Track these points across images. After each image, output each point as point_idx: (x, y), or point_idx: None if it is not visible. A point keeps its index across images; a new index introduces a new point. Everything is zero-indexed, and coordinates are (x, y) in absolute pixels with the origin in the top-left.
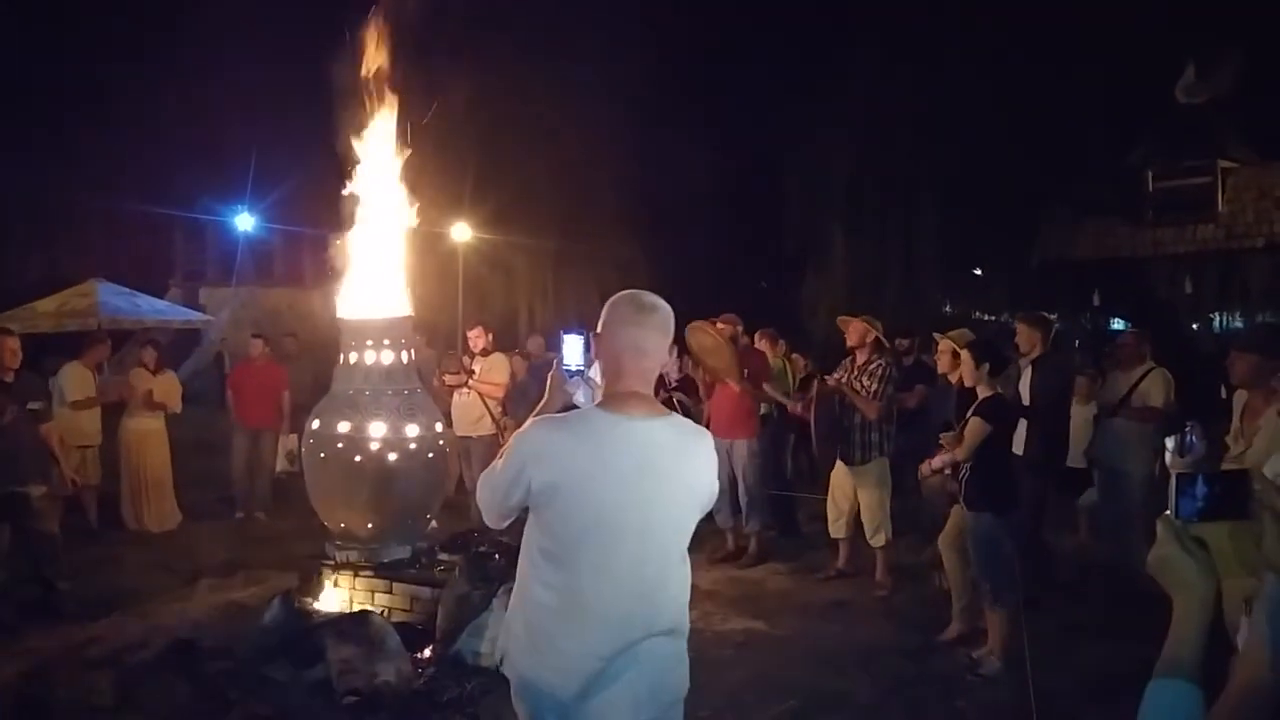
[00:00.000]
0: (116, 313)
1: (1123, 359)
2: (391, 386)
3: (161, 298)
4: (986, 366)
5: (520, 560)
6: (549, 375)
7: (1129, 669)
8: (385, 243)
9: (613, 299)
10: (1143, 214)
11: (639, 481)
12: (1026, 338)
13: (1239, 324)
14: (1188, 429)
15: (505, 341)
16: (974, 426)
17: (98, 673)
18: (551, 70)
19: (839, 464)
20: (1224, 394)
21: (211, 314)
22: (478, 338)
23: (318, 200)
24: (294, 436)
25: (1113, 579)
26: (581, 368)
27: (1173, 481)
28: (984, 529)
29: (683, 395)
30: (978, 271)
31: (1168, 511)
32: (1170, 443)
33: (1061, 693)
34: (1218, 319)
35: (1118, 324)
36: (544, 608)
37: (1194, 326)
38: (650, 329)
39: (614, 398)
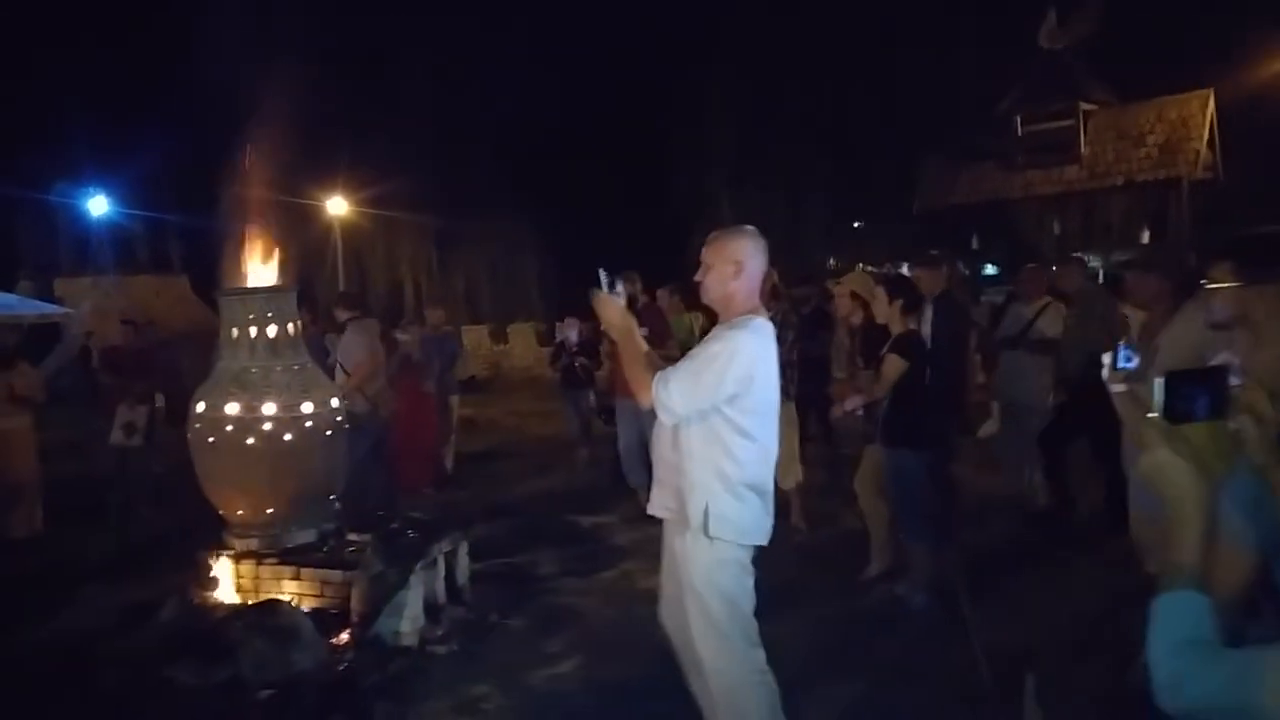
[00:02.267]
0: None
1: (1024, 293)
2: (280, 362)
3: (10, 291)
4: (900, 303)
5: (707, 450)
6: (608, 300)
7: (1042, 593)
8: (259, 215)
9: (741, 236)
10: (1014, 158)
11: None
12: (927, 280)
13: (1095, 261)
14: (1120, 344)
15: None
16: (892, 363)
17: None
18: (429, 38)
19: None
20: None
21: (70, 306)
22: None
23: (179, 180)
24: (140, 409)
25: (1014, 509)
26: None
27: (1159, 384)
28: (903, 465)
29: (584, 358)
30: (857, 224)
31: (1152, 414)
32: (1107, 359)
33: (986, 621)
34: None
35: (990, 269)
36: (751, 468)
37: (1054, 268)
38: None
39: (757, 310)
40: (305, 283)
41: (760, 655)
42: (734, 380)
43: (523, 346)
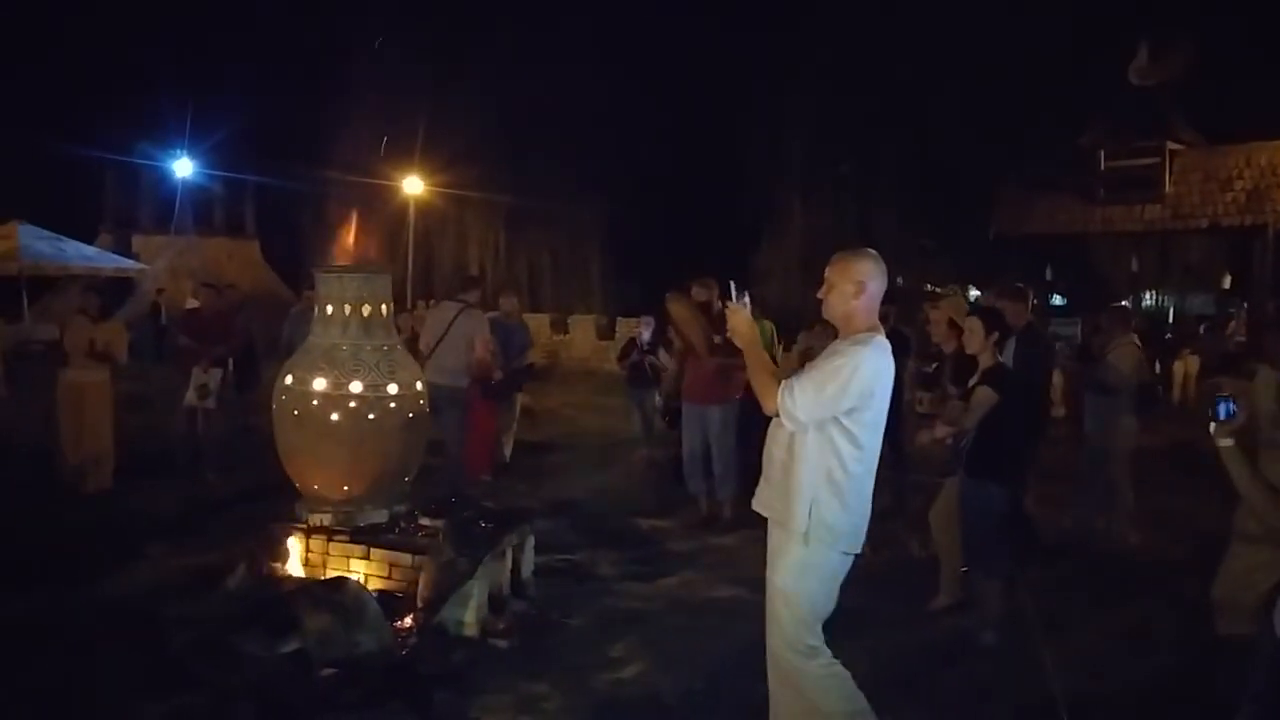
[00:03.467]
0: (39, 258)
1: (1107, 332)
2: (371, 342)
3: (91, 244)
4: (996, 335)
5: (819, 456)
6: (737, 309)
7: (1117, 635)
8: (351, 195)
9: (864, 258)
10: (1094, 192)
11: None
12: (1013, 311)
13: (1169, 301)
14: (1226, 397)
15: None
16: (982, 395)
17: (46, 646)
18: (510, 29)
19: None
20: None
21: (146, 263)
22: None
23: (260, 147)
24: (215, 371)
25: (1092, 547)
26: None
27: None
28: (984, 499)
29: (654, 358)
30: (925, 243)
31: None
32: (1211, 413)
33: (1057, 660)
34: (1149, 297)
35: (1057, 300)
36: (860, 476)
37: (1125, 304)
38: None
39: (876, 328)
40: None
41: (827, 653)
42: (854, 393)
43: (583, 338)
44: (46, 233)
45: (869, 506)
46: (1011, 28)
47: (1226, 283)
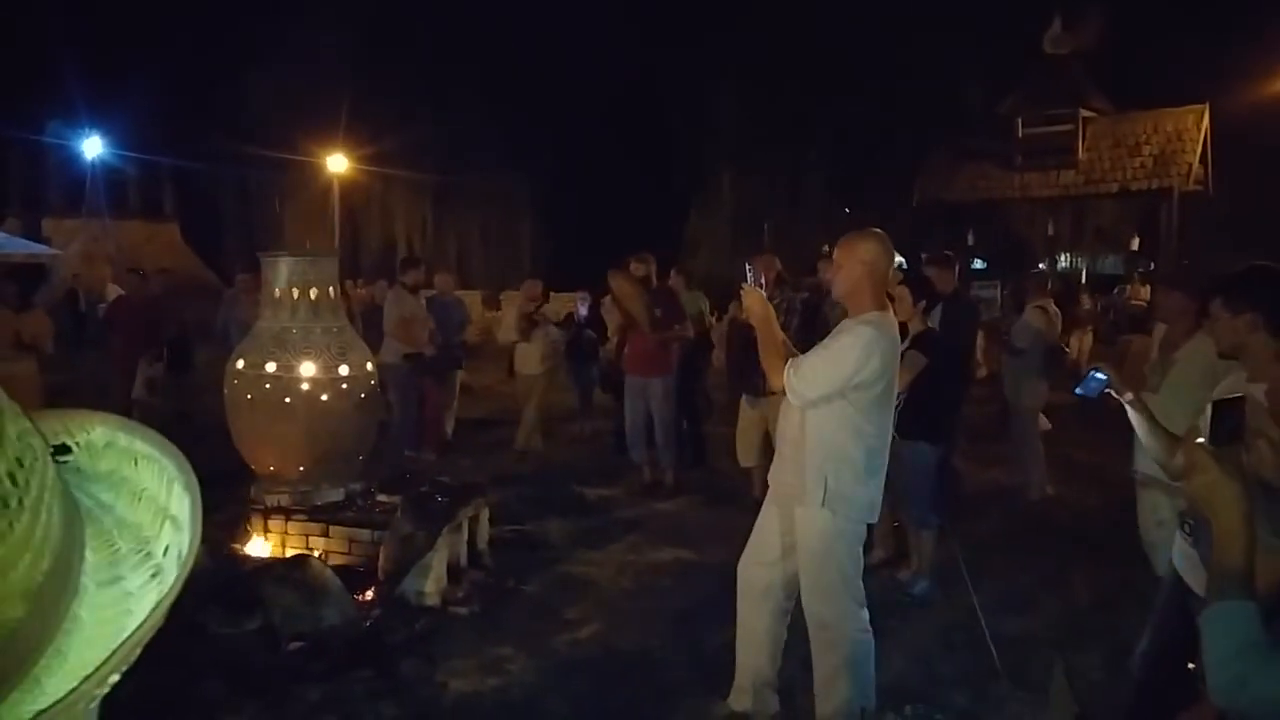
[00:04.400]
0: None
1: (1026, 298)
2: (320, 324)
3: None
4: (924, 303)
5: (832, 432)
6: (752, 290)
7: (1040, 583)
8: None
9: (870, 239)
10: (1012, 159)
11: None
12: (941, 278)
13: (1082, 263)
14: (1093, 371)
15: (383, 276)
16: (913, 359)
17: None
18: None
19: (745, 396)
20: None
21: (58, 248)
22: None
23: (177, 126)
24: (159, 365)
25: (1014, 502)
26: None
27: (1209, 411)
28: (918, 457)
29: (590, 331)
30: (848, 211)
31: (1201, 439)
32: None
33: (985, 604)
34: (1064, 259)
35: (977, 264)
36: (872, 450)
37: (1040, 265)
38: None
39: (884, 307)
40: (301, 239)
41: (865, 615)
42: (861, 371)
43: (516, 314)
44: None
45: (883, 478)
46: (934, 2)
47: (1135, 244)
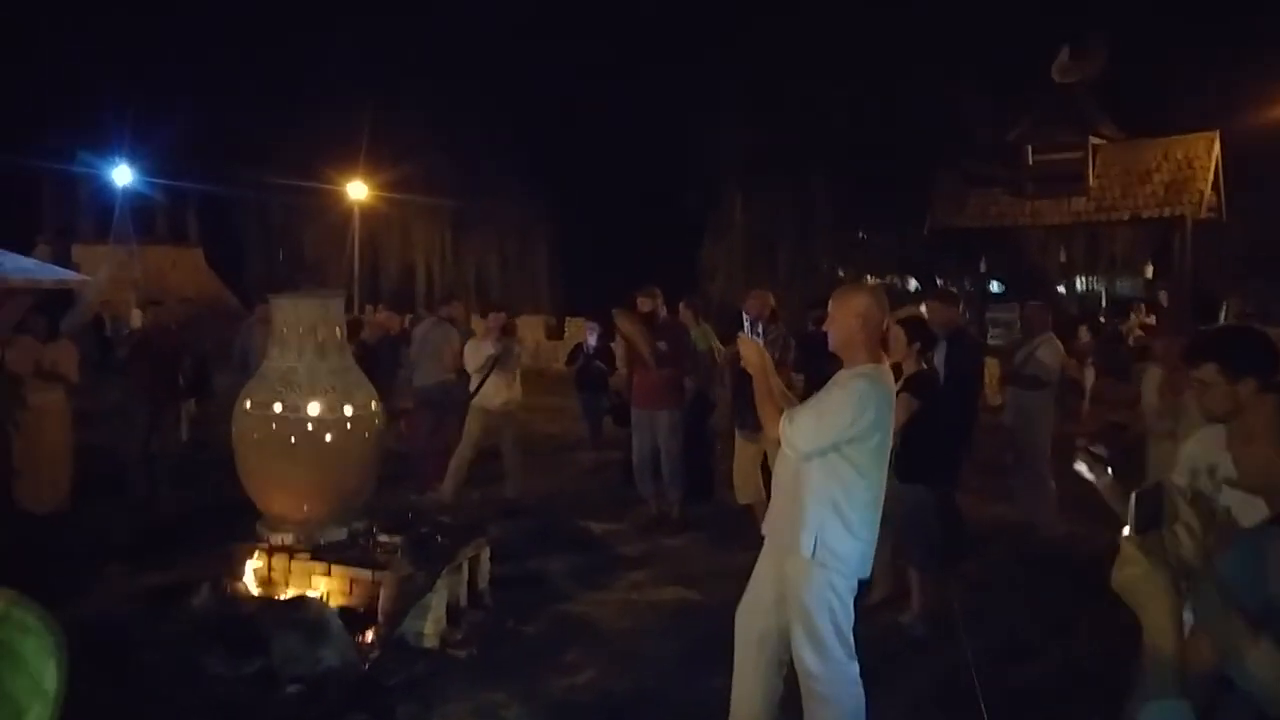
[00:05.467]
0: None
1: (1029, 328)
2: (326, 364)
3: (28, 255)
4: (918, 345)
5: (824, 485)
6: (748, 340)
7: (1044, 629)
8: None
9: (862, 292)
10: (1022, 185)
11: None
12: (943, 315)
13: (1099, 286)
14: (1093, 450)
15: (402, 302)
16: (903, 402)
17: None
18: (452, 31)
19: (740, 432)
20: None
21: (87, 273)
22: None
23: (202, 154)
24: (189, 400)
25: (1023, 540)
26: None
27: (1133, 501)
28: (914, 500)
29: (600, 363)
30: (862, 235)
31: (1127, 531)
32: (1082, 467)
33: (985, 651)
34: (1080, 282)
35: (995, 286)
36: (865, 504)
37: (1060, 290)
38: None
39: (879, 359)
40: (322, 266)
41: (855, 668)
42: (855, 424)
43: (531, 340)
44: None
45: (875, 532)
46: (946, 31)
47: (1149, 272)
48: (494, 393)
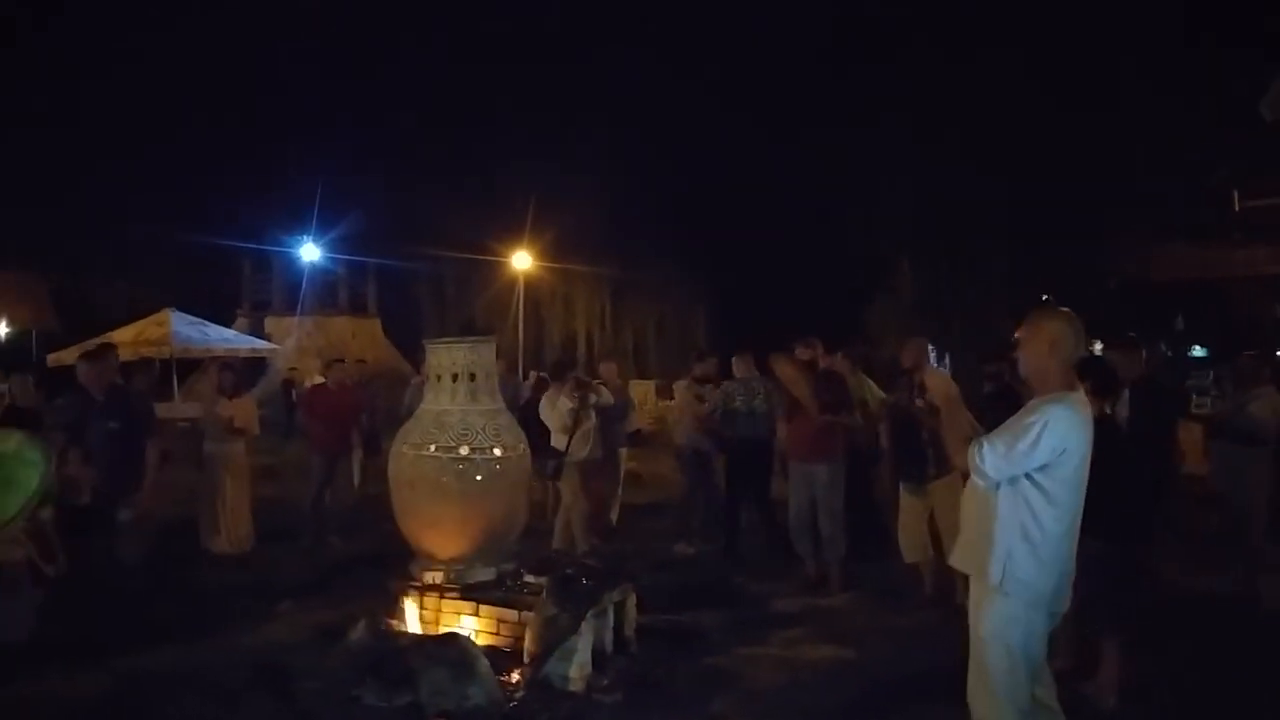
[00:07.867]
0: (188, 341)
1: (1241, 381)
2: (477, 407)
3: (229, 326)
4: (1088, 384)
5: (1012, 512)
6: (935, 372)
7: (1250, 705)
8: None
9: (1055, 318)
10: (1229, 233)
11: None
12: (1123, 363)
13: None
14: None
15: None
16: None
17: (188, 692)
18: (610, 99)
19: (904, 485)
20: None
21: (277, 342)
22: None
23: (380, 231)
24: (359, 452)
25: (1232, 613)
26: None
27: None
28: (1097, 556)
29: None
30: (1046, 298)
31: None
32: None
33: None
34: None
35: (1198, 351)
36: (1056, 535)
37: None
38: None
39: (1073, 386)
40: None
41: (1033, 707)
42: (1046, 451)
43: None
44: (192, 318)
45: (1070, 564)
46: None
47: None
48: (577, 448)
